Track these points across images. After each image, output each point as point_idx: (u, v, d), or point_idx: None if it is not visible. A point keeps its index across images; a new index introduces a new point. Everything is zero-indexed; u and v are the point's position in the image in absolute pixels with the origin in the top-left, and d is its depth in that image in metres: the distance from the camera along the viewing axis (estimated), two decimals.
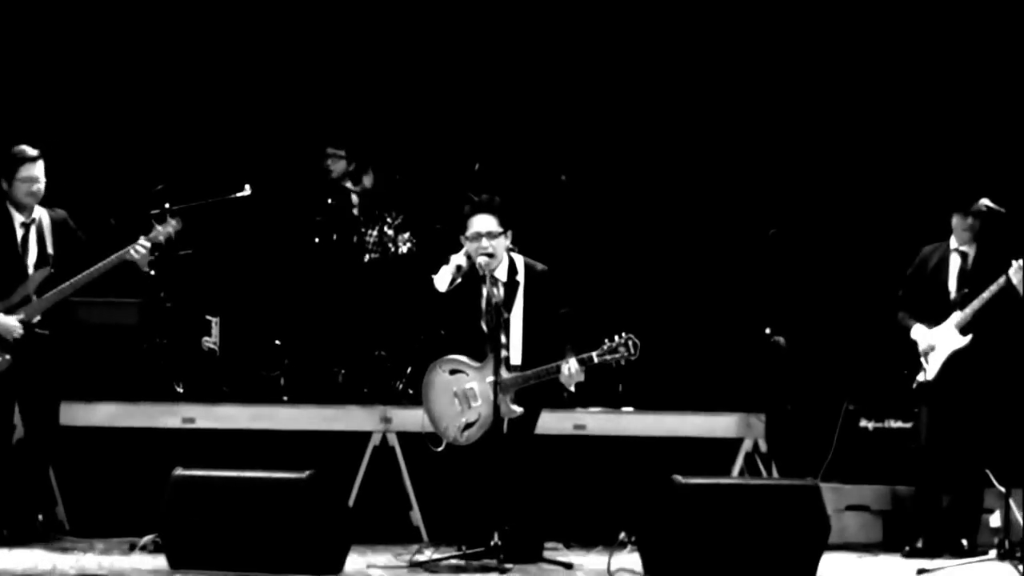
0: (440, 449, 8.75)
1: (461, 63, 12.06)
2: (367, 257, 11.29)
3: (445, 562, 8.60)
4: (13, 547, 8.93)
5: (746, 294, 11.61)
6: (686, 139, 11.99)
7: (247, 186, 10.04)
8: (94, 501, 9.87)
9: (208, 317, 11.02)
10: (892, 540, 10.03)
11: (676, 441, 10.18)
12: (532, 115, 11.98)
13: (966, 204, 9.56)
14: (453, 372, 8.76)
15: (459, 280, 8.76)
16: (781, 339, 11.09)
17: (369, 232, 11.30)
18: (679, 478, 8.18)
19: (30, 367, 9.13)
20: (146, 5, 11.88)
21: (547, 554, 8.79)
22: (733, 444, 10.29)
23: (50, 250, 9.24)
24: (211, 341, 10.98)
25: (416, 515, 9.97)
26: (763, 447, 10.28)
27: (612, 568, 8.39)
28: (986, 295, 9.39)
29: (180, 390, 10.56)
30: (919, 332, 9.59)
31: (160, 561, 8.39)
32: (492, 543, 8.33)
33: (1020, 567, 8.52)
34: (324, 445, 9.96)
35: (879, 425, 10.40)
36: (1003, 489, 9.09)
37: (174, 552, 8.22)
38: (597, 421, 10.28)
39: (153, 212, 9.40)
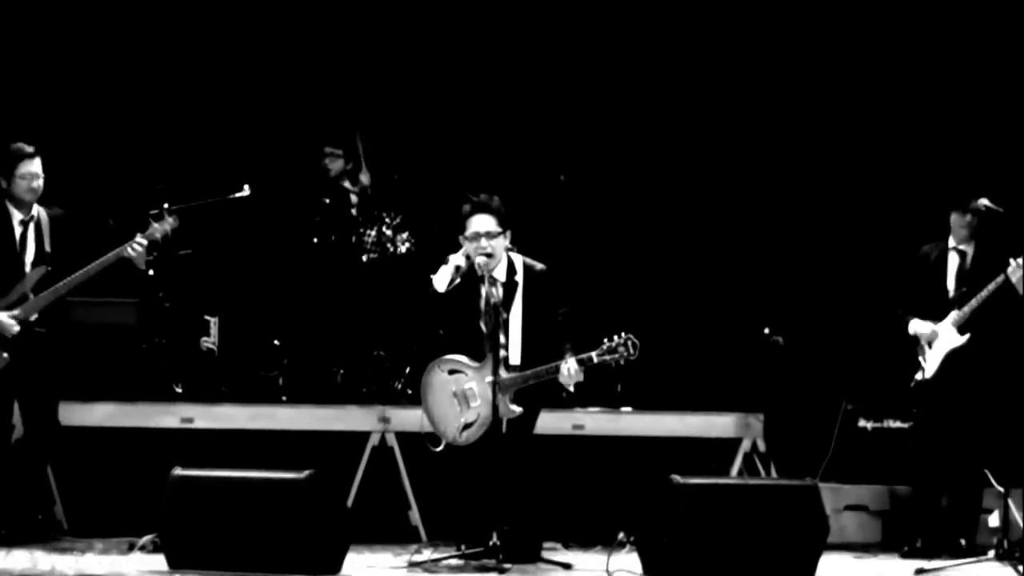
0: (439, 449, 8.74)
1: (460, 63, 12.05)
2: (365, 257, 11.28)
3: (444, 562, 8.59)
4: (12, 547, 8.91)
5: (745, 294, 11.62)
6: (685, 139, 11.99)
7: (246, 186, 10.03)
8: (93, 501, 9.86)
9: (207, 317, 11.01)
10: (891, 540, 10.04)
11: (675, 441, 10.18)
12: (531, 115, 11.98)
13: (965, 203, 9.56)
14: (452, 372, 8.75)
15: (458, 280, 8.75)
16: (780, 339, 11.09)
17: (368, 232, 11.29)
18: (678, 478, 8.16)
19: (29, 366, 9.12)
20: (146, 5, 11.87)
21: (546, 554, 8.78)
22: (732, 444, 10.30)
23: (48, 248, 9.23)
24: (210, 341, 10.97)
25: (415, 515, 9.96)
26: (762, 447, 10.28)
27: (611, 568, 8.37)
28: (984, 294, 9.39)
29: (179, 390, 10.56)
30: (918, 324, 9.58)
31: (159, 561, 8.37)
32: (491, 543, 8.31)
33: (1019, 567, 8.53)
34: (323, 445, 9.95)
35: (878, 425, 10.40)
36: (1002, 489, 9.07)
37: (173, 552, 8.21)
38: (596, 421, 10.28)
39: (152, 212, 9.40)
